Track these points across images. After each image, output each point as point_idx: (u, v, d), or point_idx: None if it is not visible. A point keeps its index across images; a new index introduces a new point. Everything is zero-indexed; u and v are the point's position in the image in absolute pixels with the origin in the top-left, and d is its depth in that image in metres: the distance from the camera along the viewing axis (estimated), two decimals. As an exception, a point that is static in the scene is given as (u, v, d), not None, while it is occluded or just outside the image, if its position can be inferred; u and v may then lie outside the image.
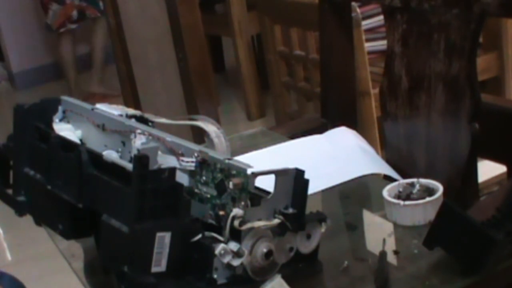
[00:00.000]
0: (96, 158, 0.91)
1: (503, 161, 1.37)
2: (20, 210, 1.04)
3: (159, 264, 0.80)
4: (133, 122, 1.03)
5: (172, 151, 0.94)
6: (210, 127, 1.01)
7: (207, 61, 2.76)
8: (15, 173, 1.05)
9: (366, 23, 2.35)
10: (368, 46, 2.01)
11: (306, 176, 0.86)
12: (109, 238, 0.83)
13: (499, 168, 1.44)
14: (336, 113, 1.52)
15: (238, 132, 1.55)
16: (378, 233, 1.02)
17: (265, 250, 0.83)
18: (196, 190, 0.91)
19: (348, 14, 1.54)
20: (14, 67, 4.88)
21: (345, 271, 0.93)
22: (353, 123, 1.48)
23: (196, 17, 2.50)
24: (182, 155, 0.93)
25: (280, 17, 2.50)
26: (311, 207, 0.90)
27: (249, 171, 0.84)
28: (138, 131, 0.99)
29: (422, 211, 0.99)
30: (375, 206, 1.11)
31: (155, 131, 0.98)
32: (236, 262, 0.81)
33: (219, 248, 0.80)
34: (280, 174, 0.85)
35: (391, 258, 0.93)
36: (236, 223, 0.81)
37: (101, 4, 3.80)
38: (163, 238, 0.79)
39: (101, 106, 1.08)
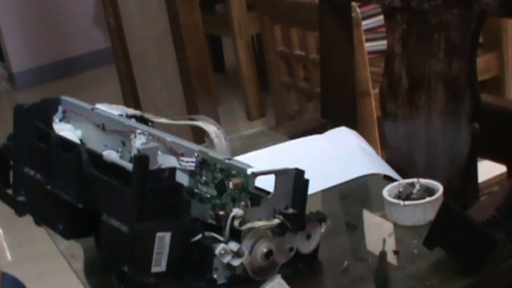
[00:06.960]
0: (96, 158, 0.91)
1: (503, 161, 1.36)
2: (20, 210, 1.04)
3: (159, 264, 0.80)
4: (133, 122, 1.03)
5: (172, 151, 0.94)
6: (210, 127, 1.01)
7: (207, 61, 2.76)
8: (15, 173, 1.05)
9: (366, 23, 2.36)
10: (368, 46, 2.01)
11: (306, 176, 0.86)
12: (109, 238, 0.83)
13: (499, 168, 1.44)
14: (336, 113, 1.52)
15: (238, 132, 1.55)
16: (378, 233, 1.02)
17: (265, 250, 0.83)
18: (196, 190, 0.91)
19: (348, 14, 1.54)
20: (14, 67, 4.87)
21: (345, 271, 0.93)
22: (353, 123, 1.48)
23: (196, 17, 2.50)
24: (182, 155, 0.93)
25: (280, 17, 2.50)
26: (311, 207, 0.90)
27: (249, 171, 0.84)
28: (138, 131, 0.99)
29: (422, 211, 0.99)
30: (375, 206, 1.11)
31: (155, 131, 0.98)
32: (236, 262, 0.81)
33: (219, 248, 0.80)
34: (280, 174, 0.85)
35: (391, 258, 0.93)
36: (236, 223, 0.81)
37: None
38: (163, 238, 0.79)
39: (101, 106, 1.08)
